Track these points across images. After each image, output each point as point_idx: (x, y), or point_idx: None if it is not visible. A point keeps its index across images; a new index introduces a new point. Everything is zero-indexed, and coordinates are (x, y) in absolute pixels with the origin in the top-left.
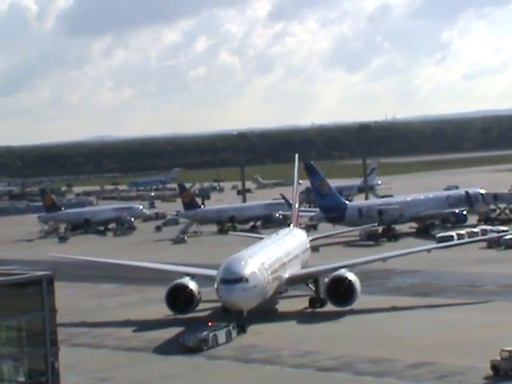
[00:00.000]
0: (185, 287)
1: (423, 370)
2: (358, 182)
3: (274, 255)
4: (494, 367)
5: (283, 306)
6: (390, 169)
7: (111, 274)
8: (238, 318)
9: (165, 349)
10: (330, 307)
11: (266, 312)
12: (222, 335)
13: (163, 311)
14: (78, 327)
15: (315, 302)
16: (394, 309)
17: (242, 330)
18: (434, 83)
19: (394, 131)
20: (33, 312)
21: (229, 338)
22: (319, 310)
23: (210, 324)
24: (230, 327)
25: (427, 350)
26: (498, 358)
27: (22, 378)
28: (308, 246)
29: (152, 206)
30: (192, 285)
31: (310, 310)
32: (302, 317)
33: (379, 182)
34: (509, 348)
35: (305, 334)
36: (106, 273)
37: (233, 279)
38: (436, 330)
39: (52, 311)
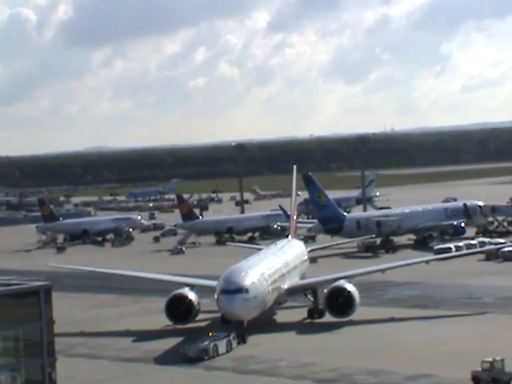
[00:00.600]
0: (184, 297)
1: (421, 382)
2: (356, 193)
3: (273, 266)
4: (475, 378)
5: (282, 316)
6: (388, 180)
7: (109, 285)
8: (238, 329)
9: (163, 359)
10: (328, 318)
11: (264, 323)
12: (222, 345)
13: (161, 322)
14: (76, 337)
15: (314, 312)
16: (393, 320)
17: (242, 340)
18: (433, 95)
19: (392, 143)
20: (30, 322)
21: (229, 348)
22: (318, 320)
23: (210, 335)
24: (231, 337)
25: (425, 361)
26: (479, 369)
27: None
28: (306, 257)
29: (152, 217)
30: (191, 295)
31: (308, 320)
32: (301, 327)
33: (377, 194)
34: (489, 359)
35: (303, 346)
36: (104, 283)
37: (233, 290)
38: (434, 342)
39: (49, 322)
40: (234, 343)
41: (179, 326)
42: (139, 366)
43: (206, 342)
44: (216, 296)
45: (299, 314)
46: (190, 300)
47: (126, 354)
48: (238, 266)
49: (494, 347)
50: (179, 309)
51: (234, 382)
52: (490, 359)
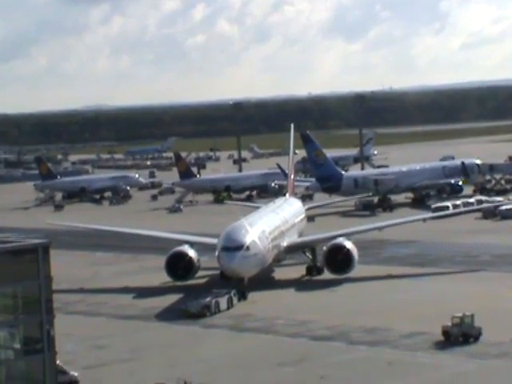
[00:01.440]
0: (184, 255)
1: (417, 340)
2: (354, 152)
3: (272, 224)
4: (446, 332)
5: (280, 274)
6: (386, 139)
7: (107, 243)
8: (238, 286)
9: (161, 317)
10: (326, 275)
11: (262, 280)
12: (223, 302)
13: (159, 279)
14: (74, 295)
15: (312, 270)
16: (389, 277)
17: (242, 296)
18: (432, 53)
19: (390, 101)
20: (28, 280)
21: (230, 305)
22: (316, 278)
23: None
24: (232, 294)
25: (421, 319)
26: (449, 324)
27: (17, 345)
28: (304, 215)
29: (152, 175)
30: (191, 252)
31: (306, 278)
32: (299, 285)
33: (375, 153)
34: (459, 314)
35: (300, 304)
36: (102, 241)
37: (234, 247)
38: (430, 299)
39: (47, 279)
40: (235, 300)
41: (179, 283)
42: (137, 323)
43: (208, 299)
44: (217, 253)
45: (297, 272)
46: (190, 257)
47: (124, 312)
48: (238, 223)
49: (490, 305)
50: (179, 266)
51: (231, 340)
52: (460, 314)
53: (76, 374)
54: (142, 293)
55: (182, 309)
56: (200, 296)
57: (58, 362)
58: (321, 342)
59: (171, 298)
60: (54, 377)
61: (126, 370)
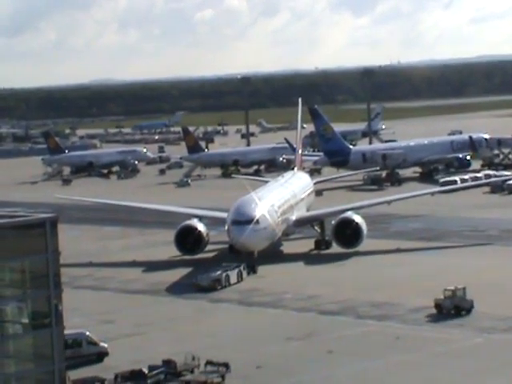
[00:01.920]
0: (193, 229)
1: (424, 314)
2: (362, 126)
3: (282, 197)
4: (438, 306)
5: (289, 248)
6: (394, 113)
7: (115, 217)
8: (248, 259)
9: (168, 291)
10: (334, 249)
11: (271, 254)
12: (233, 275)
13: (167, 254)
14: (82, 269)
15: (321, 244)
16: (397, 252)
17: (252, 270)
18: (440, 27)
19: (398, 76)
20: (36, 254)
21: (240, 278)
22: (324, 251)
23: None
24: (241, 267)
25: (429, 294)
26: (442, 297)
27: (25, 320)
28: (312, 189)
29: (162, 150)
30: (200, 226)
31: (315, 252)
32: (307, 259)
33: (383, 127)
34: (451, 287)
35: (308, 278)
36: (110, 216)
37: (244, 221)
38: (438, 273)
39: (55, 253)
40: (245, 273)
41: (187, 257)
42: (144, 297)
43: (218, 272)
44: (227, 227)
45: (306, 246)
46: (199, 231)
47: (131, 286)
48: (248, 197)
49: (497, 279)
50: (188, 240)
51: (239, 315)
52: (452, 287)
53: (106, 346)
54: (150, 267)
55: (193, 282)
56: (210, 270)
57: (88, 333)
58: (329, 316)
59: (179, 273)
60: (61, 351)
61: (133, 345)
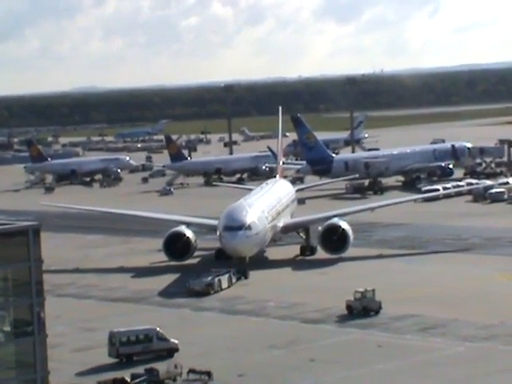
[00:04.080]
0: (182, 235)
1: (407, 323)
2: (344, 135)
3: (270, 204)
4: (349, 307)
5: (274, 254)
6: (376, 122)
7: (97, 225)
8: (239, 265)
9: (151, 300)
10: (319, 255)
11: (254, 261)
12: (225, 280)
13: (150, 262)
14: (65, 277)
15: (306, 249)
16: (381, 259)
17: (243, 275)
18: (425, 36)
19: (381, 84)
20: (19, 262)
21: (230, 283)
22: (309, 257)
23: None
24: (231, 272)
25: (411, 302)
26: (352, 299)
27: (7, 328)
28: (294, 196)
29: (149, 159)
30: (188, 233)
31: (300, 257)
32: (292, 265)
33: (366, 135)
34: (361, 289)
35: (292, 285)
36: (93, 224)
37: (236, 226)
38: (420, 282)
39: (38, 261)
40: (234, 278)
41: (171, 263)
42: (126, 306)
43: (211, 277)
44: (218, 233)
45: (291, 252)
46: (188, 237)
47: (114, 294)
48: (239, 204)
49: (482, 288)
50: (177, 246)
51: (222, 323)
52: (362, 289)
53: (176, 342)
54: (133, 275)
55: (187, 287)
56: (202, 275)
57: (158, 329)
58: (311, 324)
59: (162, 281)
60: (44, 359)
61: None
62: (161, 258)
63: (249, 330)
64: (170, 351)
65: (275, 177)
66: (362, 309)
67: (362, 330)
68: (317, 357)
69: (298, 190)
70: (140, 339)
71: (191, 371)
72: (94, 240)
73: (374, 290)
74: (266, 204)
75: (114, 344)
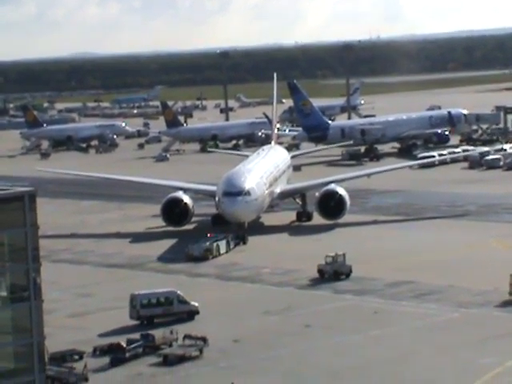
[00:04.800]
0: (179, 200)
1: (402, 289)
2: (341, 101)
3: (267, 170)
4: (320, 271)
5: (271, 219)
6: (373, 89)
7: (93, 191)
8: (238, 230)
9: (146, 266)
10: (315, 221)
11: (251, 227)
12: (223, 245)
13: (143, 227)
14: (61, 243)
15: (302, 215)
16: (375, 225)
17: (242, 241)
18: (421, 2)
19: (378, 51)
20: (15, 228)
21: (228, 248)
22: (305, 223)
23: (209, 235)
24: (229, 238)
25: (406, 268)
26: (323, 263)
27: (4, 293)
28: (290, 162)
29: (146, 126)
30: (186, 198)
31: (296, 223)
32: (288, 231)
33: (362, 102)
34: (332, 254)
35: (287, 252)
36: (89, 190)
37: (236, 192)
38: (415, 249)
39: (34, 227)
40: (232, 244)
41: (167, 229)
42: (123, 271)
43: (209, 242)
44: (217, 199)
45: (286, 218)
46: (185, 203)
47: (110, 260)
48: (237, 169)
49: (476, 255)
50: (175, 211)
51: (218, 289)
52: (333, 254)
53: (196, 304)
54: (130, 241)
55: (185, 252)
56: (200, 240)
57: (179, 292)
58: (306, 290)
59: (158, 247)
60: (40, 324)
61: (111, 319)
62: (156, 223)
63: (244, 297)
64: (191, 313)
65: (270, 143)
66: (333, 273)
67: (357, 296)
68: (312, 323)
69: (293, 157)
70: (160, 302)
71: (187, 337)
72: (90, 206)
73: (344, 255)
74: (264, 170)
75: (135, 306)
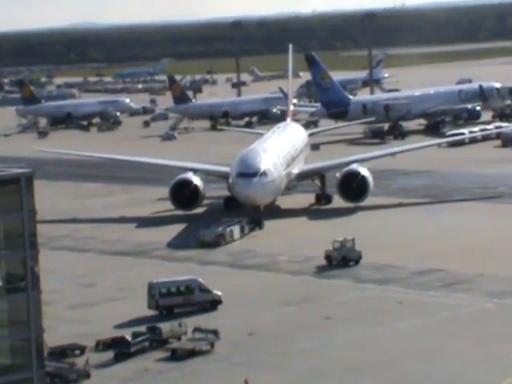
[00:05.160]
0: (189, 182)
1: (429, 278)
2: (362, 74)
3: (285, 149)
4: (328, 257)
5: (288, 202)
6: (397, 60)
7: (95, 173)
8: (254, 214)
9: (153, 253)
10: (335, 204)
11: (267, 210)
12: (236, 230)
13: (148, 212)
14: (60, 229)
15: (321, 198)
16: (400, 208)
17: (258, 225)
18: None
19: (402, 19)
20: (11, 213)
21: (242, 234)
22: (325, 207)
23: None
24: (243, 222)
25: (434, 255)
26: (331, 248)
27: None
28: (307, 141)
29: (154, 102)
30: (196, 180)
31: (315, 207)
32: (306, 215)
33: (386, 75)
34: (340, 238)
35: (305, 238)
36: (90, 171)
37: (251, 173)
38: (444, 234)
39: (31, 212)
40: (247, 229)
41: (178, 213)
42: (128, 259)
43: (222, 227)
44: (230, 180)
45: (304, 200)
46: (196, 185)
47: (114, 247)
48: (252, 149)
49: (507, 239)
50: (184, 194)
51: (231, 278)
52: (341, 239)
53: (219, 293)
54: (134, 227)
55: (196, 238)
56: (212, 225)
57: (200, 280)
58: (326, 279)
59: (166, 232)
60: (38, 317)
61: (114, 311)
62: (163, 207)
63: (259, 286)
64: (213, 303)
65: (286, 120)
66: (342, 259)
67: (380, 285)
68: (332, 314)
69: (310, 135)
70: (181, 290)
71: (197, 329)
72: (92, 189)
73: (353, 240)
74: (281, 149)
75: (154, 296)
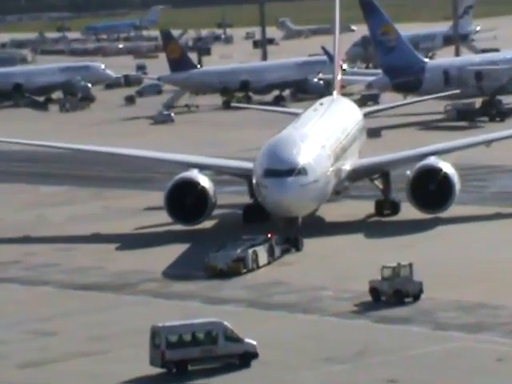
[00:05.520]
0: (194, 184)
1: None
2: (443, 27)
3: (331, 136)
4: (373, 290)
5: (333, 212)
6: (494, 7)
7: (57, 172)
8: (288, 230)
9: (139, 286)
10: (404, 214)
11: (305, 224)
12: (262, 253)
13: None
14: (8, 252)
15: (384, 206)
16: (499, 221)
17: (294, 246)
18: None
19: None
20: None
21: (271, 258)
22: (389, 218)
23: (270, 236)
24: (273, 242)
25: None
26: (379, 278)
27: None
28: (362, 124)
29: (142, 70)
30: (204, 181)
31: (375, 218)
32: (361, 231)
33: (478, 29)
34: (391, 264)
35: (358, 264)
36: (49, 169)
37: (285, 171)
38: None
39: None
40: (278, 251)
41: (178, 228)
42: (102, 296)
43: (240, 249)
44: (254, 181)
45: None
46: (203, 187)
47: (84, 279)
48: (285, 136)
49: None
50: (187, 200)
51: (250, 323)
52: (394, 264)
53: (254, 343)
54: (113, 248)
55: (205, 264)
56: (227, 246)
57: (226, 323)
58: (389, 325)
59: (158, 256)
60: None
61: (86, 370)
62: (155, 219)
63: (294, 335)
64: (245, 358)
65: (332, 94)
66: (393, 293)
67: (469, 334)
68: (399, 377)
69: (367, 115)
70: (198, 339)
71: None
72: (52, 193)
73: (411, 265)
74: (326, 136)
75: (159, 346)
